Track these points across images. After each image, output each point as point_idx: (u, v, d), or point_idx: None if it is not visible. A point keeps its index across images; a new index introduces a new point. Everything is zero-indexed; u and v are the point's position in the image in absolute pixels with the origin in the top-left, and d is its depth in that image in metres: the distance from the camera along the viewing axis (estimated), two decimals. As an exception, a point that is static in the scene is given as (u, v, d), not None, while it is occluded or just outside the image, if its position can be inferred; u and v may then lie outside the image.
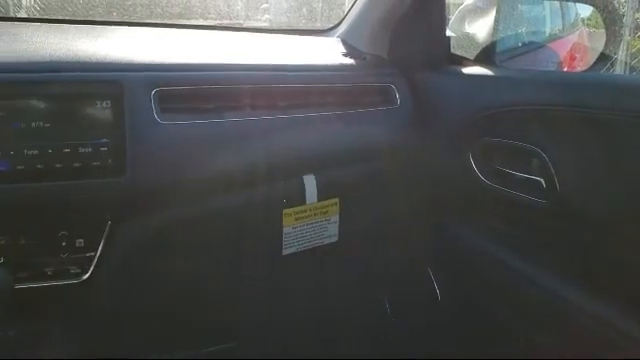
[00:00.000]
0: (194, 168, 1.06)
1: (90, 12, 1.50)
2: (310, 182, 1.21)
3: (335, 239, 1.29)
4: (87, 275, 1.01)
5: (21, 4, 1.61)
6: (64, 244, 1.00)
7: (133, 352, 1.18)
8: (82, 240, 1.01)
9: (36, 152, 0.95)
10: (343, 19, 1.52)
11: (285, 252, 1.23)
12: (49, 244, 0.99)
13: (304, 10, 2.12)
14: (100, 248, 1.02)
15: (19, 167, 0.94)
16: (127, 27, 1.43)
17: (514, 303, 1.23)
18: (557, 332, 1.14)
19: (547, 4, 2.10)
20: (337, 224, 1.28)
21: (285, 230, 1.22)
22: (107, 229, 1.02)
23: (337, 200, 1.26)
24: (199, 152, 1.06)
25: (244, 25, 1.61)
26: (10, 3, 1.60)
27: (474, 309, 1.36)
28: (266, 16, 2.15)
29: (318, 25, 1.80)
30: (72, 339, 1.04)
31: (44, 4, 1.58)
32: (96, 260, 1.02)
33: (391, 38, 1.39)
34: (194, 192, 1.08)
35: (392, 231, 1.38)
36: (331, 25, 1.57)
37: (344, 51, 1.39)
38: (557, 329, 1.14)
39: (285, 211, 1.20)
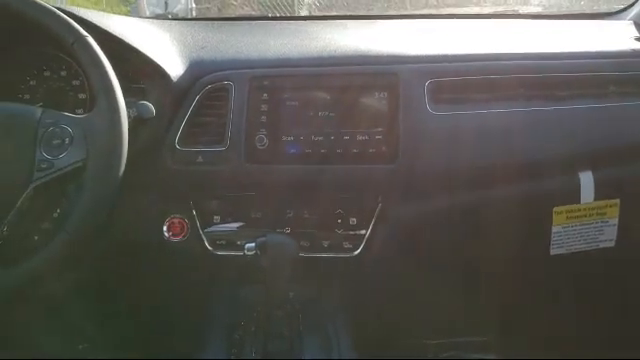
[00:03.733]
0: (463, 158, 1.07)
1: (369, 7, 1.61)
2: (587, 179, 1.11)
3: (612, 244, 1.17)
4: (358, 251, 1.10)
5: (303, 1, 1.80)
6: (340, 221, 1.10)
7: (391, 329, 1.25)
8: (355, 219, 1.10)
9: (321, 138, 1.06)
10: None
11: (553, 252, 1.16)
12: (327, 220, 1.10)
13: (587, -9, 1.93)
14: (370, 227, 1.10)
15: (307, 151, 1.06)
16: (403, 20, 1.49)
17: None
18: None
19: None
20: (616, 227, 1.16)
21: (554, 229, 1.15)
22: (378, 211, 1.09)
23: (618, 201, 1.14)
24: (468, 143, 1.06)
25: (520, 12, 1.55)
26: (295, 2, 1.80)
27: None
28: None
29: (604, 8, 1.63)
30: (341, 308, 1.14)
31: (326, 1, 1.75)
32: (366, 238, 1.10)
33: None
34: (461, 182, 1.09)
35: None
36: (621, 7, 1.40)
37: (637, 35, 1.23)
38: None
39: (556, 209, 1.13)
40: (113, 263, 1.16)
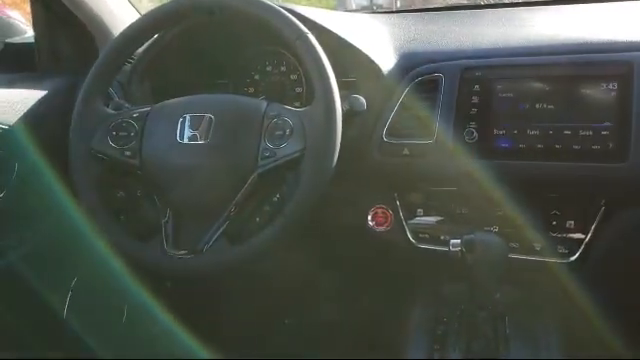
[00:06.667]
0: None
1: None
2: None
3: None
4: (574, 257, 1.01)
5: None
6: (554, 223, 1.02)
7: (605, 343, 1.14)
8: (572, 222, 1.01)
9: (537, 132, 0.99)
10: None
11: None
12: (540, 221, 1.03)
13: None
14: (591, 232, 1.00)
15: (521, 145, 1.00)
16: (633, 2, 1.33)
17: None
18: None
19: None
20: None
21: None
22: (600, 214, 1.00)
23: None
24: None
25: None
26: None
27: None
28: None
29: None
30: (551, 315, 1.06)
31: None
32: (585, 243, 1.01)
33: None
34: None
35: None
36: None
37: None
38: None
39: None
40: (320, 246, 1.22)
